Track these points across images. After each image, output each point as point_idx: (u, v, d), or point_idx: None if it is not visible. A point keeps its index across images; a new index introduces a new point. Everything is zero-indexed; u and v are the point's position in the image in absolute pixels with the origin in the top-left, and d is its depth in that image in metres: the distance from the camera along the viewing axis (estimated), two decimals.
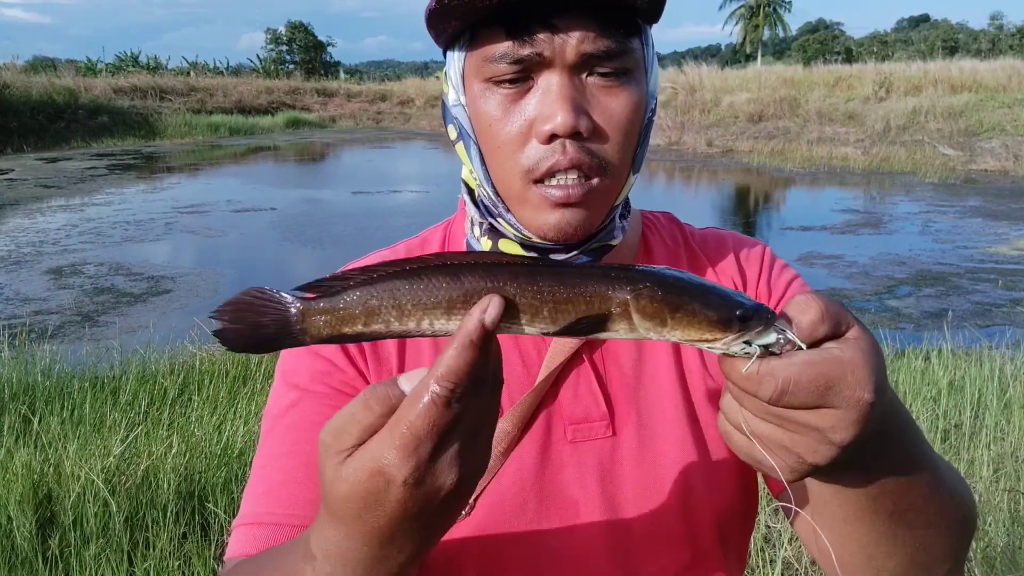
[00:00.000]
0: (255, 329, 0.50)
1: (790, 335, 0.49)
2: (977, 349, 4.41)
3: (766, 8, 60.72)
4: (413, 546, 0.50)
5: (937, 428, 3.31)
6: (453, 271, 0.49)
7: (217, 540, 2.51)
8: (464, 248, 0.80)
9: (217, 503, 2.66)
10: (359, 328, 0.50)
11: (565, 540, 0.72)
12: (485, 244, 0.75)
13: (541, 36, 0.64)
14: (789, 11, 62.29)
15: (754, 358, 0.48)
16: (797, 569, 2.43)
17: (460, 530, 0.70)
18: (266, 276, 7.99)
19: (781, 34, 64.67)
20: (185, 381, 3.92)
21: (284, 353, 0.77)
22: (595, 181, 0.68)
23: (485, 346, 0.46)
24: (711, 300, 0.49)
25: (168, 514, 2.53)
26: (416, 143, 24.06)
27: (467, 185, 0.78)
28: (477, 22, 0.66)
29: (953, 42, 64.84)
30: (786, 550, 2.46)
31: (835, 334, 0.50)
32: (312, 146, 23.56)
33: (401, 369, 0.74)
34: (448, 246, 0.82)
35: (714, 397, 0.77)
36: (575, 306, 0.49)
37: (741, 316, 0.48)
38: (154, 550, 2.39)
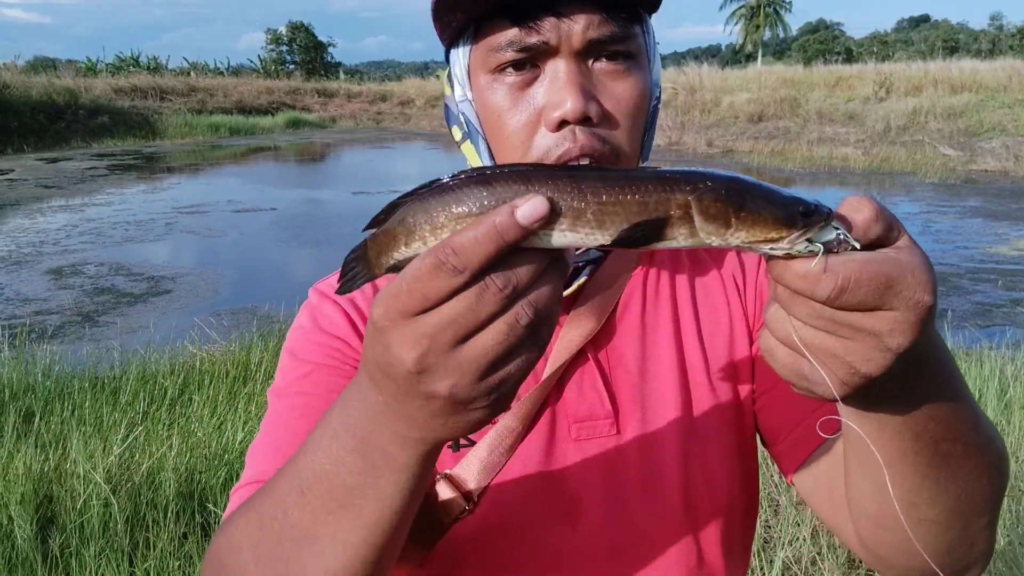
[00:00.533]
0: (350, 267, 0.52)
1: (846, 234, 0.47)
2: (977, 349, 4.41)
3: (766, 8, 60.72)
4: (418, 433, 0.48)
5: None
6: (485, 179, 0.46)
7: None
8: None
9: (217, 503, 2.66)
10: (403, 250, 0.48)
11: (569, 538, 0.72)
12: None
13: (547, 23, 0.65)
14: (789, 11, 62.33)
15: (819, 256, 0.45)
16: (797, 571, 2.43)
17: (464, 527, 0.70)
18: (267, 276, 7.99)
19: (781, 34, 64.70)
20: (185, 381, 3.92)
21: (292, 332, 0.77)
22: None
23: (516, 244, 0.43)
24: (774, 197, 0.47)
25: (168, 514, 2.53)
26: (416, 143, 24.07)
27: None
28: (482, 15, 0.67)
29: (953, 42, 64.83)
30: (786, 551, 2.46)
31: (887, 238, 0.48)
32: (312, 146, 23.56)
33: None
34: None
35: (720, 391, 0.78)
36: (628, 209, 0.45)
37: (804, 211, 0.46)
38: (154, 550, 2.39)
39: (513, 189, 0.45)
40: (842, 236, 0.47)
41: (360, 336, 0.74)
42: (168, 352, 4.45)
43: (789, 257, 0.46)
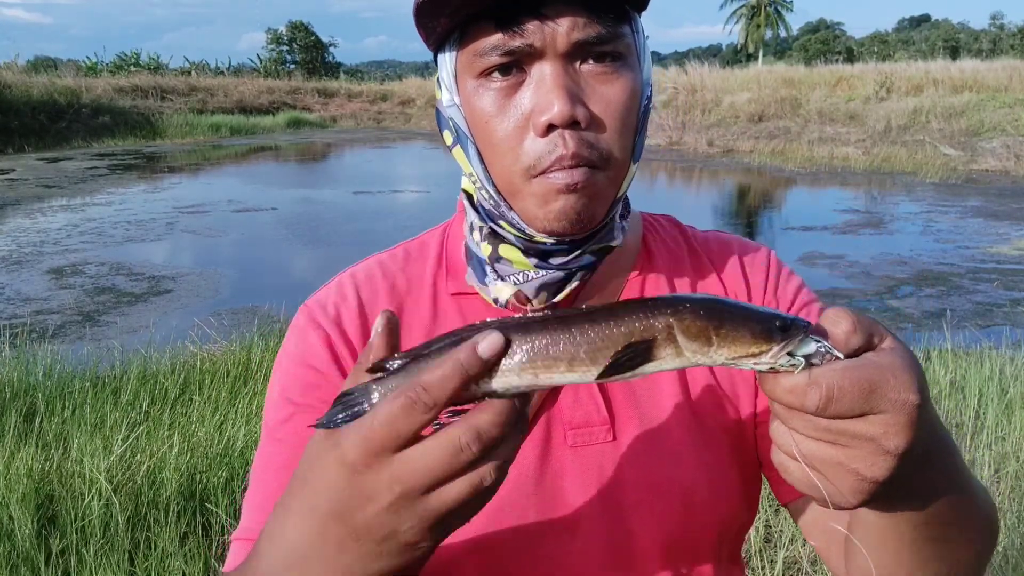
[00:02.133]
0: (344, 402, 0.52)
1: (828, 345, 0.48)
2: (978, 349, 4.41)
3: (767, 8, 60.70)
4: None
5: None
6: (472, 333, 0.48)
7: (218, 540, 2.51)
8: (463, 252, 0.79)
9: (218, 503, 2.66)
10: None
11: (566, 545, 0.72)
12: (485, 249, 0.73)
13: (531, 26, 0.63)
14: (790, 11, 62.30)
15: (800, 367, 0.47)
16: (797, 571, 2.43)
17: (459, 534, 0.70)
18: (267, 276, 8.00)
19: (782, 34, 64.68)
20: (186, 381, 3.92)
21: (280, 356, 0.78)
22: (597, 172, 0.67)
23: (474, 378, 0.46)
24: (750, 313, 0.49)
25: (169, 514, 2.53)
26: (417, 143, 24.07)
27: (467, 193, 0.77)
28: (466, 19, 0.66)
29: (954, 42, 64.78)
30: (787, 550, 2.46)
31: (869, 345, 0.50)
32: (313, 146, 23.57)
33: None
34: (447, 250, 0.81)
35: (720, 402, 0.77)
36: (614, 340, 0.48)
37: (781, 326, 0.48)
38: (155, 550, 2.39)
39: (517, 345, 0.48)
40: (824, 348, 0.48)
41: (340, 367, 0.73)
42: (169, 352, 4.45)
43: (775, 372, 0.48)
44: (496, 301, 0.73)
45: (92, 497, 2.57)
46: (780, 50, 74.38)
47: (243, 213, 11.54)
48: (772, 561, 2.42)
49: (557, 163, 0.65)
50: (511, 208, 0.70)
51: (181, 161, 18.95)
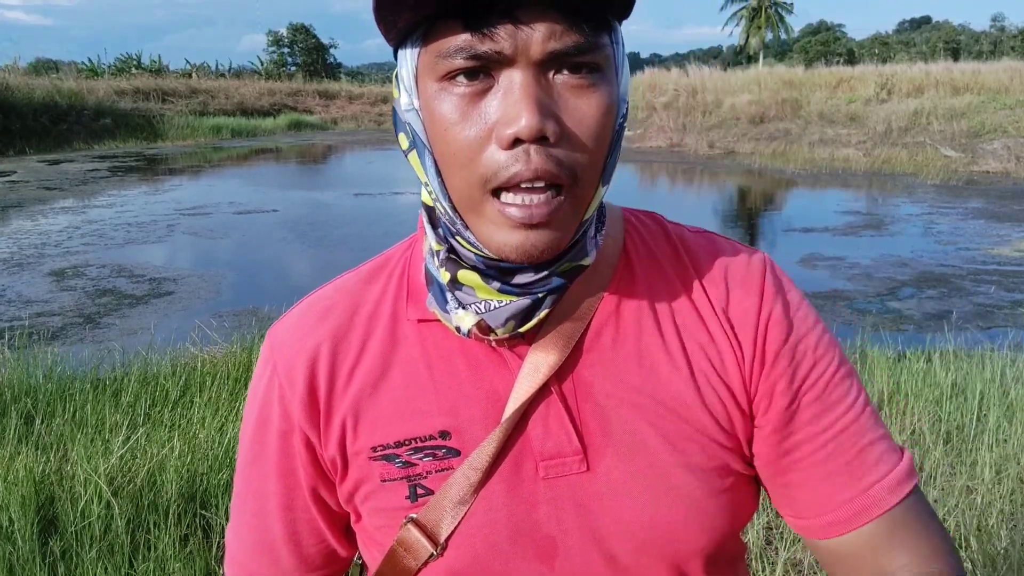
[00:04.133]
0: None
1: None
2: (979, 351, 4.41)
3: (768, 9, 60.73)
4: None
5: (939, 430, 3.31)
6: None
7: (218, 542, 2.51)
8: (423, 274, 0.74)
9: (219, 505, 2.66)
10: None
11: None
12: (443, 275, 0.68)
13: (503, 30, 0.57)
14: (791, 12, 62.32)
15: None
16: (799, 572, 2.43)
17: (433, 572, 0.68)
18: (268, 277, 8.00)
19: (783, 36, 64.69)
20: (187, 383, 3.92)
21: (249, 394, 0.78)
22: (561, 196, 0.61)
23: None
24: None
25: (169, 516, 2.53)
26: None
27: (426, 207, 0.71)
28: (432, 14, 0.59)
29: (955, 43, 64.76)
30: (788, 552, 2.45)
31: None
32: (314, 148, 23.59)
33: (343, 448, 0.72)
34: (409, 270, 0.75)
35: (703, 428, 0.70)
36: None
37: None
38: (155, 552, 2.39)
39: None
40: None
41: (306, 415, 0.72)
42: (169, 353, 4.46)
43: None
44: (458, 330, 0.68)
45: (92, 499, 2.56)
46: (781, 52, 74.39)
47: (244, 215, 11.54)
48: (773, 563, 2.41)
49: (515, 180, 0.59)
50: (467, 227, 0.64)
51: (182, 163, 18.98)
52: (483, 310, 0.66)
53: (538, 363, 0.69)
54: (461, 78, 0.59)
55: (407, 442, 0.69)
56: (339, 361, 0.72)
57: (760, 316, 0.71)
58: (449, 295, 0.68)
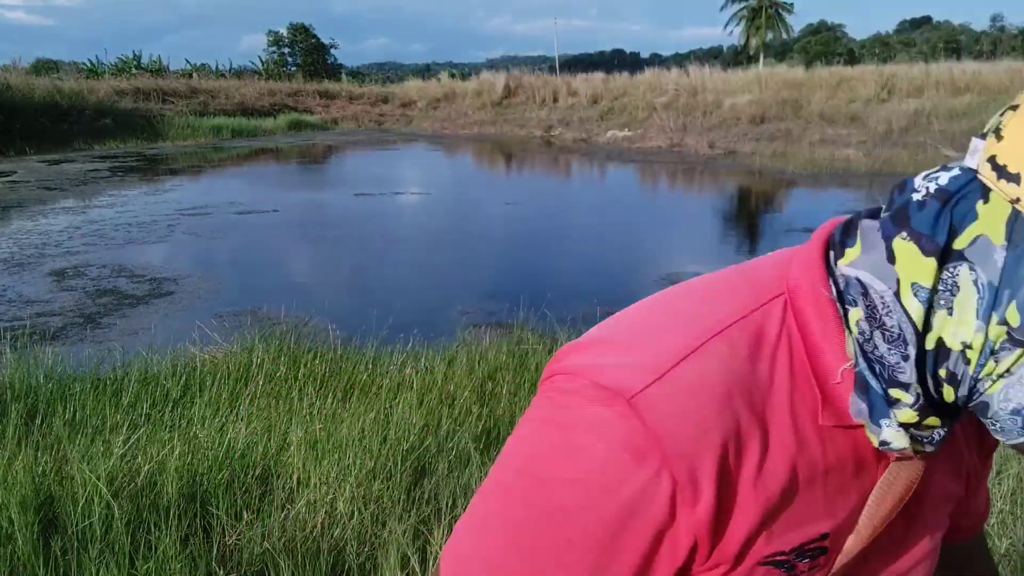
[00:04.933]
0: None
1: None
2: None
3: (768, 10, 60.70)
4: None
5: None
6: None
7: (219, 542, 2.51)
8: (829, 371, 0.61)
9: (219, 505, 2.66)
10: None
11: None
12: (907, 416, 0.59)
13: None
14: (791, 12, 62.29)
15: None
16: None
17: None
18: (268, 278, 8.00)
19: (783, 36, 64.65)
20: (187, 383, 3.92)
21: (599, 471, 0.58)
22: None
23: None
24: None
25: (170, 516, 2.52)
26: (418, 145, 24.08)
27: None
28: None
29: (955, 43, 64.75)
30: None
31: None
32: (314, 148, 23.58)
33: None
34: (800, 358, 0.62)
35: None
36: None
37: None
38: (156, 552, 2.39)
39: None
40: None
41: (711, 519, 0.58)
42: (170, 353, 4.46)
43: None
44: (883, 443, 0.62)
45: (93, 499, 2.56)
46: (781, 52, 74.35)
47: (244, 215, 11.54)
48: None
49: None
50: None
51: (182, 163, 18.97)
52: (925, 437, 0.62)
53: (899, 471, 0.66)
54: None
55: (800, 547, 0.64)
56: (745, 461, 0.61)
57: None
58: (894, 421, 0.61)
